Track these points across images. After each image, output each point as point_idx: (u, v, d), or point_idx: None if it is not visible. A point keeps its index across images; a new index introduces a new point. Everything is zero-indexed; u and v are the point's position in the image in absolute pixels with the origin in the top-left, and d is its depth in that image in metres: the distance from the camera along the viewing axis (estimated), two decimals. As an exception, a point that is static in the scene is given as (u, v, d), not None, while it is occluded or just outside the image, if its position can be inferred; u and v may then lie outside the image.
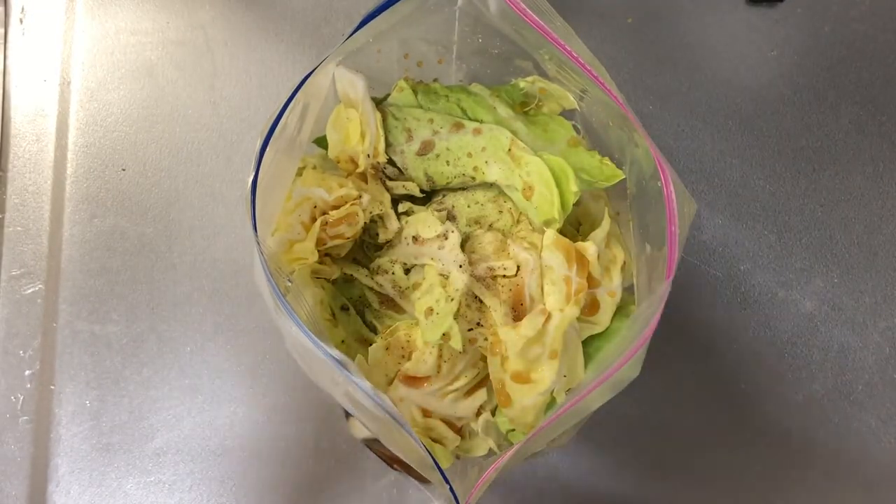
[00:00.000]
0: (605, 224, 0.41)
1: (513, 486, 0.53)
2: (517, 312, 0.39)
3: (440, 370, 0.40)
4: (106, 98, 0.56)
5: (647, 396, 0.53)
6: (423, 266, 0.41)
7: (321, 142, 0.44)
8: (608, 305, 0.40)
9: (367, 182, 0.42)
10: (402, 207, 0.43)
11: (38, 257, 0.55)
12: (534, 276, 0.39)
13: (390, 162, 0.43)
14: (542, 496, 0.53)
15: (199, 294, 0.54)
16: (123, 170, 0.55)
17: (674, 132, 0.55)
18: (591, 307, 0.40)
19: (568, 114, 0.44)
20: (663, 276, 0.35)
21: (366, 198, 0.41)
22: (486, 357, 0.40)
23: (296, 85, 0.36)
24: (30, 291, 0.54)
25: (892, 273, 0.54)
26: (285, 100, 0.36)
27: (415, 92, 0.43)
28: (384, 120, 0.42)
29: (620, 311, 0.41)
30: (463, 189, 0.43)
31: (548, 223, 0.40)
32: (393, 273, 0.42)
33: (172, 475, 0.53)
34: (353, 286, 0.44)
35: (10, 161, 0.55)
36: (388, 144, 0.42)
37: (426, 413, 0.41)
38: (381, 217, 0.42)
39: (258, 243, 0.35)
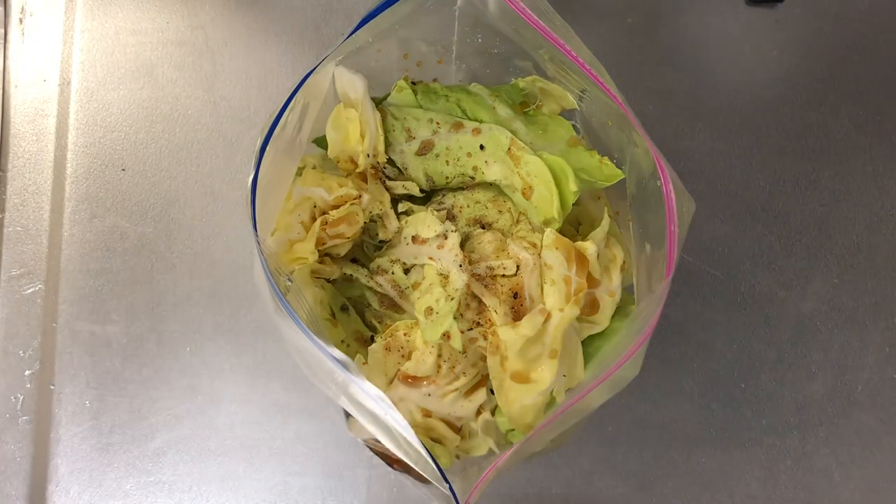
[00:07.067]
0: (605, 224, 0.41)
1: (513, 486, 0.53)
2: (517, 312, 0.39)
3: (440, 370, 0.40)
4: (106, 98, 0.56)
5: (647, 396, 0.53)
6: (422, 266, 0.41)
7: (321, 142, 0.44)
8: (608, 305, 0.40)
9: (367, 182, 0.42)
10: (401, 207, 0.43)
11: (38, 257, 0.55)
12: (533, 275, 0.39)
13: (390, 162, 0.43)
14: (542, 496, 0.53)
15: (199, 294, 0.54)
16: (123, 170, 0.55)
17: (674, 132, 0.55)
18: (590, 307, 0.40)
19: (568, 114, 0.44)
20: (663, 275, 0.35)
21: (366, 198, 0.41)
22: (486, 357, 0.40)
23: (296, 85, 0.36)
24: (30, 291, 0.54)
25: (892, 273, 0.54)
26: (285, 100, 0.36)
27: (415, 92, 0.43)
28: (384, 120, 0.42)
29: (620, 310, 0.41)
30: (463, 189, 0.43)
31: (547, 223, 0.40)
32: (393, 273, 0.42)
33: (172, 475, 0.53)
34: (353, 286, 0.44)
35: (10, 161, 0.55)
36: (387, 144, 0.42)
37: (426, 413, 0.41)
38: (380, 217, 0.42)
39: (258, 243, 0.35)
